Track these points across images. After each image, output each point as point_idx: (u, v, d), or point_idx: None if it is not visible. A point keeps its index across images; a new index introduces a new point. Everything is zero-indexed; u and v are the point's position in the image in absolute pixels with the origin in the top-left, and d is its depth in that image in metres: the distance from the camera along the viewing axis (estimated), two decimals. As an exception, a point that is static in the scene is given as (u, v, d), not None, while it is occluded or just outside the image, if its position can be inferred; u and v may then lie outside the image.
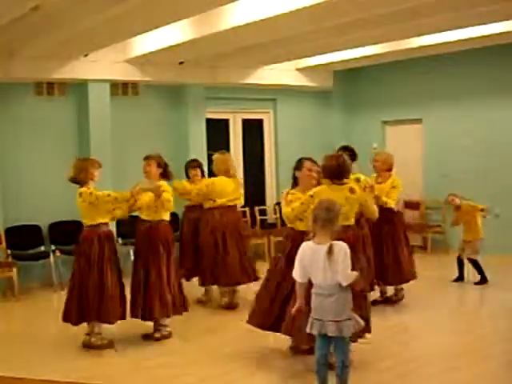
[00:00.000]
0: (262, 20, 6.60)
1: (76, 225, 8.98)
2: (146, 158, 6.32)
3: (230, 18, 6.80)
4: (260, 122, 11.29)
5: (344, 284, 4.15)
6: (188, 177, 7.79)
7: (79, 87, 9.09)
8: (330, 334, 4.21)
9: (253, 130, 11.15)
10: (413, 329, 6.41)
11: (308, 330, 4.34)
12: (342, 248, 4.16)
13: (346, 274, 4.14)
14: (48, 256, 8.55)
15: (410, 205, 10.82)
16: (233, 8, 6.64)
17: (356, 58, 9.85)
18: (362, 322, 4.36)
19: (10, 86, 8.64)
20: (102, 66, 8.89)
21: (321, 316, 4.21)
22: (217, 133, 10.59)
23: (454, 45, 8.83)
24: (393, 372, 5.13)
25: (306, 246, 4.28)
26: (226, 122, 10.87)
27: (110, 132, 9.15)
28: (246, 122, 11.06)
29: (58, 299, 8.22)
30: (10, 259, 8.34)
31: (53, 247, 8.70)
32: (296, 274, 4.33)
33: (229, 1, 6.10)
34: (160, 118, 10.00)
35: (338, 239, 4.29)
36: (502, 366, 5.38)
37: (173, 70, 9.53)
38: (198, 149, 9.99)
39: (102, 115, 9.11)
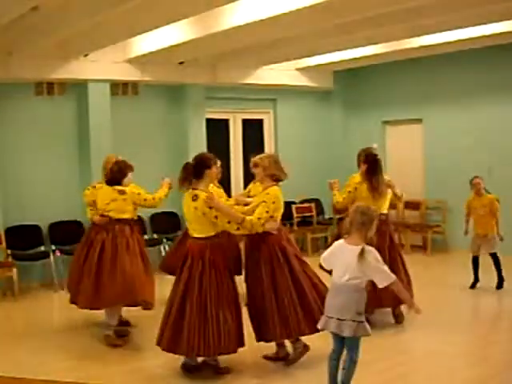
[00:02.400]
0: (261, 20, 6.60)
1: (76, 225, 9.05)
2: None
3: (230, 17, 6.81)
4: (260, 121, 11.29)
5: (380, 286, 4.24)
6: None
7: (79, 87, 9.09)
8: (330, 330, 4.30)
9: (253, 129, 11.16)
10: (413, 329, 6.40)
11: (319, 326, 4.45)
12: (371, 252, 4.23)
13: (384, 275, 4.20)
14: (48, 256, 8.55)
15: (410, 205, 10.82)
16: (233, 8, 6.65)
17: (356, 58, 9.85)
18: (369, 330, 4.35)
19: (9, 86, 8.64)
20: (101, 66, 8.89)
21: (327, 312, 4.31)
22: (217, 133, 10.59)
23: (454, 45, 8.83)
24: (393, 372, 5.13)
25: (338, 244, 4.39)
26: (226, 121, 10.87)
27: (110, 132, 9.15)
28: (246, 122, 11.06)
29: (58, 299, 8.23)
30: (10, 259, 8.34)
31: (53, 247, 8.70)
32: (323, 260, 4.48)
33: (229, 1, 6.10)
34: (160, 118, 10.01)
35: None
36: (502, 366, 5.38)
37: (173, 70, 9.53)
38: (198, 149, 9.97)
39: (102, 115, 9.11)
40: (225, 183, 10.69)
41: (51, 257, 8.54)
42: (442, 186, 10.38)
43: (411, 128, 11.03)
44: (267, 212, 5.15)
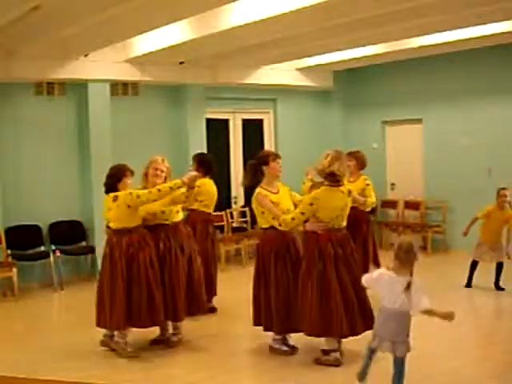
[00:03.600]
0: (262, 20, 6.61)
1: (76, 225, 9.05)
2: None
3: (229, 17, 6.81)
4: (260, 121, 11.30)
5: (415, 310, 4.38)
6: None
7: (79, 87, 9.09)
8: (384, 351, 4.52)
9: (253, 130, 11.16)
10: (413, 328, 6.39)
11: (372, 345, 4.55)
12: (416, 283, 4.36)
13: (419, 306, 4.37)
14: (48, 256, 8.54)
15: (410, 205, 10.83)
16: (233, 8, 6.65)
17: (356, 58, 9.85)
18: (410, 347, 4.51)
19: (10, 85, 8.64)
20: (102, 66, 8.89)
21: (380, 334, 4.49)
22: (217, 133, 10.60)
23: (454, 45, 8.83)
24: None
25: (385, 273, 4.45)
26: (226, 122, 10.87)
27: (110, 132, 9.16)
28: (246, 122, 11.07)
29: (57, 299, 8.24)
30: (10, 259, 8.34)
31: (53, 247, 8.70)
32: (365, 281, 4.60)
33: (229, 1, 6.10)
34: (160, 118, 10.01)
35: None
36: (502, 367, 5.38)
37: (173, 70, 9.53)
38: (198, 149, 9.96)
39: (102, 115, 9.11)
40: (225, 183, 10.74)
41: (51, 257, 8.54)
42: (442, 186, 10.38)
43: (411, 128, 11.02)
44: (302, 214, 5.25)
